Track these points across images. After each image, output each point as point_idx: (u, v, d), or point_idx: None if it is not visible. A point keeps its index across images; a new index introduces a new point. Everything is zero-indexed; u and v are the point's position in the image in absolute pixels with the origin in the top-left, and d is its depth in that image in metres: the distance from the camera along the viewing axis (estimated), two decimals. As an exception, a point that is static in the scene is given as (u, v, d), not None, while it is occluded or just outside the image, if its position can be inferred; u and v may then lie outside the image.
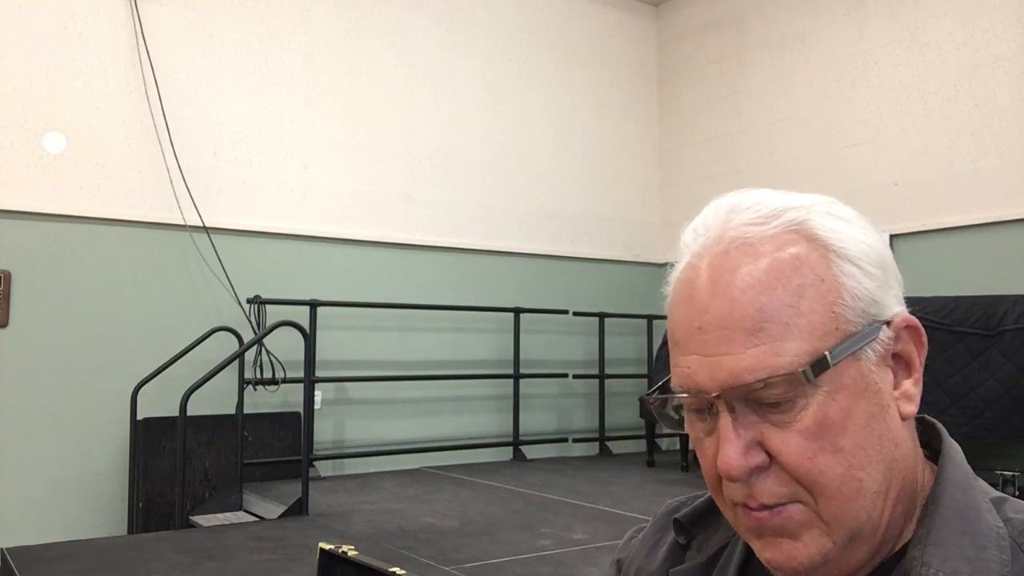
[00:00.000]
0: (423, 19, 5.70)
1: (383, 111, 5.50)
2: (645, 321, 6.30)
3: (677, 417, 0.69)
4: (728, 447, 0.63)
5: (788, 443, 0.62)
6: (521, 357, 5.73)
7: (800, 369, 0.61)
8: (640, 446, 5.95)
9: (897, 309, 0.66)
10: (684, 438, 5.27)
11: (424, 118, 5.66)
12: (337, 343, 5.14)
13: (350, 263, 5.31)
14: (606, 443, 6.10)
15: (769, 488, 0.63)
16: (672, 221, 6.73)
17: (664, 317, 0.72)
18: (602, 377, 6.05)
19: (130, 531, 4.33)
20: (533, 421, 5.90)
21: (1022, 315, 4.02)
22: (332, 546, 1.64)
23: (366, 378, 5.20)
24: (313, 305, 4.87)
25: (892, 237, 5.08)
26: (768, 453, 0.63)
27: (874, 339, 0.64)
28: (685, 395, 0.66)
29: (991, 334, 4.06)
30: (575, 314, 6.03)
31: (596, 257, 6.39)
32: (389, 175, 5.49)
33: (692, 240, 0.69)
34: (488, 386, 5.75)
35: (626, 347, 6.40)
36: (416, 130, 5.62)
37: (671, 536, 0.79)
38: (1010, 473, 4.07)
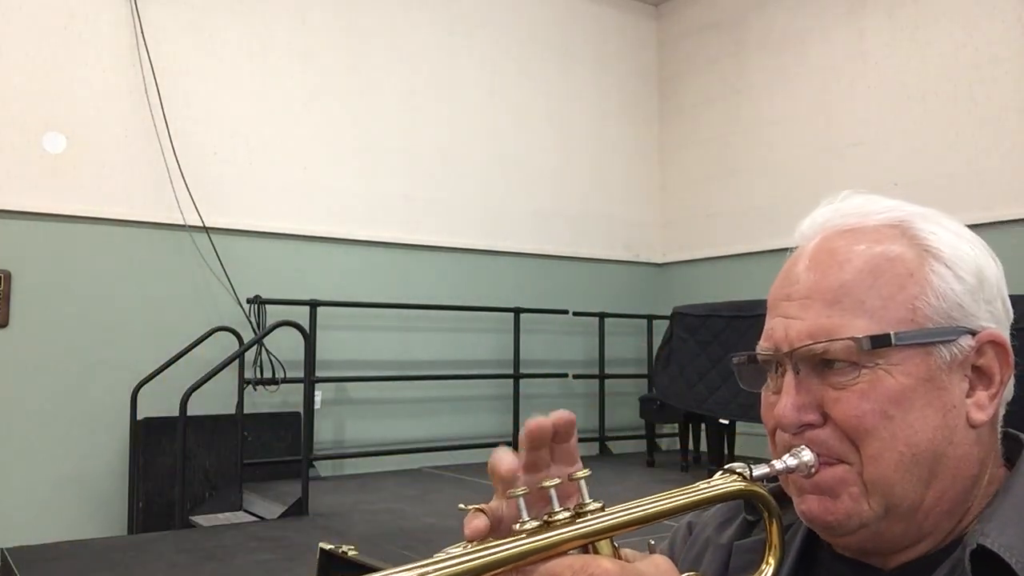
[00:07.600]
0: (423, 19, 5.70)
1: (383, 111, 5.50)
2: (645, 321, 6.30)
3: (759, 377, 0.75)
4: (786, 398, 0.69)
5: (842, 401, 0.67)
6: (521, 357, 5.73)
7: (859, 338, 0.66)
8: (640, 446, 5.95)
9: (988, 325, 0.69)
10: (684, 438, 5.26)
11: (424, 118, 5.66)
12: (337, 343, 5.14)
13: (350, 263, 5.30)
14: (606, 443, 6.10)
15: (820, 439, 0.68)
16: (672, 221, 6.73)
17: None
18: (602, 377, 6.05)
19: (130, 531, 4.33)
20: (533, 421, 5.88)
21: (1022, 315, 4.02)
22: (332, 546, 1.63)
23: (366, 378, 5.20)
24: (313, 305, 4.87)
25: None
26: (824, 414, 0.68)
27: (951, 341, 0.67)
28: (762, 353, 0.73)
29: (991, 334, 4.05)
30: (575, 314, 6.02)
31: (596, 257, 6.39)
32: (389, 175, 5.49)
33: (806, 228, 0.76)
34: (488, 386, 5.74)
35: (626, 347, 6.39)
36: (416, 130, 5.62)
37: (742, 516, 0.83)
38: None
